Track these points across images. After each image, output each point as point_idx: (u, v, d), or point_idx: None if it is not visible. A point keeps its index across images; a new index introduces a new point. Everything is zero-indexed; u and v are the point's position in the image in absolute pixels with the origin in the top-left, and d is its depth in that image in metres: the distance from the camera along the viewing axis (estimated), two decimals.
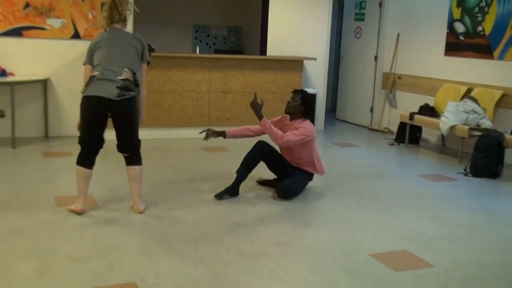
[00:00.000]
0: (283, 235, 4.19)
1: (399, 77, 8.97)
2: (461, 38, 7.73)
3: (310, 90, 8.39)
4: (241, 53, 10.61)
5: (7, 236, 3.91)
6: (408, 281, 3.50)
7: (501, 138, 6.30)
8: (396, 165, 6.99)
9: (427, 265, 3.75)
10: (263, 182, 5.50)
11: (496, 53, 7.17)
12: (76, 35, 7.24)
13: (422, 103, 7.99)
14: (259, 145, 5.12)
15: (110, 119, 4.35)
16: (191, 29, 10.73)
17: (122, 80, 4.23)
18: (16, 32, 6.99)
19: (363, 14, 9.60)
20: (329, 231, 4.33)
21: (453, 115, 6.92)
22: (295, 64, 8.23)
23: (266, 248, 3.92)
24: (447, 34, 7.96)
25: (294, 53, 8.56)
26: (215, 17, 10.83)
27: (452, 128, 6.90)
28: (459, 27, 7.76)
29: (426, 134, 8.27)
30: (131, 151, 4.44)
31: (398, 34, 9.00)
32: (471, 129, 6.68)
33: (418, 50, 8.59)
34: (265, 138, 5.15)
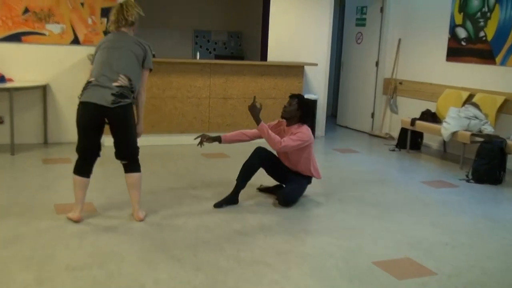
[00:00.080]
0: (284, 243, 4.15)
1: (400, 83, 8.94)
2: (463, 43, 7.70)
3: (311, 96, 8.39)
4: (242, 58, 10.59)
5: (6, 243, 3.87)
6: None
7: (503, 144, 6.27)
8: (397, 171, 6.95)
9: (430, 272, 3.71)
10: (263, 189, 5.46)
11: (498, 58, 7.14)
12: (75, 41, 7.22)
13: (424, 109, 7.96)
14: (257, 152, 5.07)
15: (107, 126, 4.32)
16: (191, 34, 10.72)
17: (118, 87, 4.18)
18: (15, 38, 6.97)
19: (364, 19, 9.58)
20: (330, 238, 4.29)
21: (454, 121, 6.88)
22: (296, 70, 8.20)
23: (266, 256, 3.88)
24: (449, 39, 7.94)
25: (295, 59, 8.54)
26: (216, 22, 10.82)
27: (454, 134, 6.86)
28: (461, 33, 7.73)
29: (428, 140, 8.23)
30: (128, 158, 4.39)
31: (400, 40, 8.98)
32: (473, 135, 6.65)
33: (419, 56, 8.56)
34: (261, 143, 5.11)
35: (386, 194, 5.65)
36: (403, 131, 7.98)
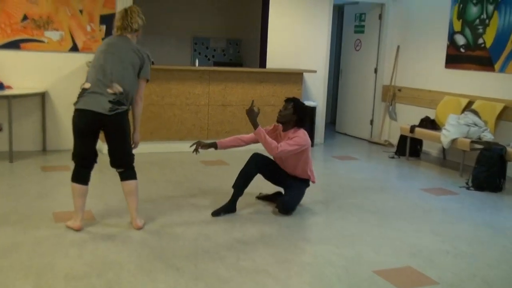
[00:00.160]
0: (284, 251, 4.12)
1: (399, 90, 8.94)
2: (462, 50, 7.70)
3: (310, 103, 8.39)
4: (240, 65, 10.58)
5: (4, 252, 3.84)
6: None
7: (503, 152, 6.26)
8: (396, 178, 6.94)
9: (431, 282, 3.69)
10: (262, 198, 5.44)
11: (497, 65, 7.14)
12: (74, 48, 7.21)
13: (423, 116, 7.95)
14: (254, 158, 5.03)
15: (102, 133, 4.31)
16: (190, 41, 10.71)
17: (113, 94, 4.16)
18: (13, 45, 6.96)
19: (363, 26, 9.59)
20: (330, 246, 4.27)
21: (454, 128, 6.88)
22: (295, 77, 8.20)
23: (266, 264, 3.85)
24: (448, 46, 7.94)
25: (294, 66, 8.54)
26: (214, 29, 10.81)
27: (454, 141, 6.86)
28: (460, 39, 7.74)
29: (427, 147, 8.22)
30: (124, 165, 4.37)
31: (398, 47, 8.98)
32: (472, 142, 6.64)
33: (418, 63, 8.57)
34: (258, 149, 5.09)
35: (386, 202, 5.63)
36: (402, 138, 7.97)
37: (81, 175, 4.30)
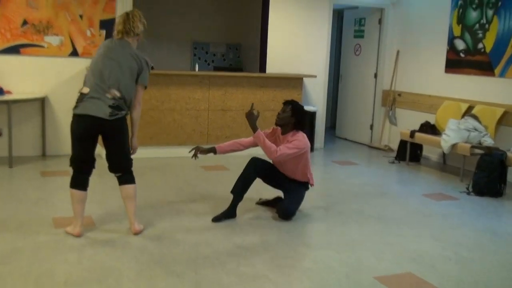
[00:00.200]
0: (284, 257, 4.11)
1: (399, 95, 8.94)
2: (462, 55, 7.70)
3: (309, 108, 8.38)
4: (240, 70, 10.57)
5: (4, 258, 3.82)
6: None
7: (503, 157, 6.25)
8: (397, 183, 6.92)
9: None
10: (263, 203, 5.42)
11: (497, 70, 7.14)
12: (74, 53, 7.20)
13: (423, 121, 7.95)
14: (252, 163, 4.99)
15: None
16: (189, 46, 10.70)
17: (112, 99, 4.16)
18: (13, 50, 6.95)
19: (363, 31, 9.59)
20: (331, 252, 4.25)
21: (454, 133, 6.87)
22: (295, 82, 8.20)
23: (267, 270, 3.83)
24: (448, 51, 7.94)
25: (294, 71, 8.54)
26: (214, 34, 10.80)
27: (454, 146, 6.85)
28: (460, 44, 7.74)
29: (427, 152, 8.21)
30: (123, 170, 4.37)
31: (398, 51, 8.98)
32: (473, 147, 6.63)
33: (418, 67, 8.57)
34: (257, 153, 5.07)
35: (386, 207, 5.62)
36: (403, 143, 7.96)
37: (79, 181, 4.28)
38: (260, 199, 5.46)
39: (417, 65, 8.58)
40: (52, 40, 7.10)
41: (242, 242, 4.36)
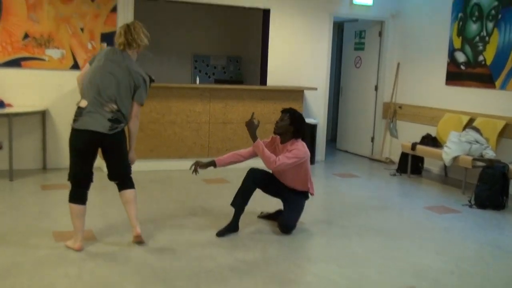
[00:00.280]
0: (287, 271, 4.08)
1: (400, 107, 8.94)
2: (462, 67, 7.71)
3: (310, 120, 8.37)
4: (241, 82, 10.59)
5: (3, 273, 3.79)
6: None
7: (505, 169, 6.23)
8: (399, 196, 6.90)
9: None
10: (264, 217, 5.38)
11: (498, 82, 7.14)
12: (75, 66, 7.21)
13: (424, 133, 7.94)
14: (250, 174, 4.94)
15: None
16: (190, 58, 10.73)
17: (110, 112, 4.17)
18: (14, 63, 6.95)
19: (363, 43, 9.61)
20: (333, 266, 4.22)
21: (455, 146, 6.85)
22: (296, 94, 8.19)
23: (270, 285, 3.80)
24: (448, 63, 7.95)
25: (294, 83, 8.54)
26: (215, 46, 10.84)
27: (455, 158, 6.83)
28: (460, 57, 7.75)
29: (428, 164, 8.19)
30: (122, 176, 4.41)
31: (398, 64, 8.99)
32: (474, 159, 6.61)
33: (418, 80, 8.57)
34: (257, 163, 5.04)
35: (389, 220, 5.59)
36: (404, 155, 7.94)
37: (78, 195, 4.27)
38: (261, 212, 5.44)
39: (418, 77, 8.59)
40: (53, 53, 7.10)
41: (244, 257, 4.33)
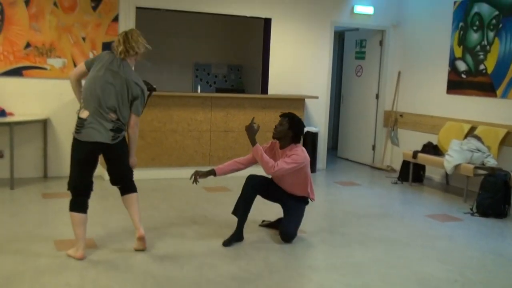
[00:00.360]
0: (289, 280, 4.06)
1: (401, 115, 8.94)
2: (463, 76, 7.72)
3: (311, 129, 8.38)
4: (242, 91, 10.60)
5: (4, 282, 3.78)
6: None
7: (507, 177, 6.23)
8: (400, 204, 6.89)
9: None
10: (266, 225, 5.37)
11: (499, 91, 7.15)
12: None
13: (425, 141, 7.93)
14: (249, 182, 4.92)
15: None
16: (191, 67, 10.75)
17: (111, 121, 4.20)
18: (16, 72, 6.96)
19: (364, 52, 9.62)
20: (336, 275, 4.20)
21: (457, 154, 6.85)
22: (297, 103, 8.19)
23: None
24: (449, 72, 7.96)
25: (296, 92, 8.54)
26: (216, 55, 10.86)
27: (457, 167, 6.82)
28: (461, 65, 7.76)
29: (430, 172, 8.18)
30: (124, 180, 4.46)
31: (399, 72, 9.00)
32: (476, 168, 6.60)
33: (419, 88, 8.58)
34: (258, 171, 5.04)
35: (391, 228, 5.57)
36: (405, 163, 7.93)
37: (79, 204, 4.28)
38: (263, 221, 5.42)
39: (419, 86, 8.59)
40: (54, 62, 7.11)
41: (246, 265, 4.31)
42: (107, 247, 4.56)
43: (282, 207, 5.12)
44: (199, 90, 9.26)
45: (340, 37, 10.83)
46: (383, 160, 9.25)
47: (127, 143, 4.42)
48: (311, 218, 5.55)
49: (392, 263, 4.52)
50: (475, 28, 7.53)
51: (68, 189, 4.29)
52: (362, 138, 9.68)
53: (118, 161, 4.38)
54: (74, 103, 7.05)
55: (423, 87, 8.50)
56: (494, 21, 7.24)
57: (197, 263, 4.32)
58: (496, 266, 4.59)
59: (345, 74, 10.29)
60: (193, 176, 4.90)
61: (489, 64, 7.30)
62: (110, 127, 4.20)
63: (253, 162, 4.99)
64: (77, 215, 4.25)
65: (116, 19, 7.33)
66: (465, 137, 7.29)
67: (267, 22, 8.49)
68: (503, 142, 6.95)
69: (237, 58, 10.98)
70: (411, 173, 7.81)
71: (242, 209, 4.89)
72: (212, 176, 4.98)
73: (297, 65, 8.60)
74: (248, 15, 8.26)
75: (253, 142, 4.75)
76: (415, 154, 7.62)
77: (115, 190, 4.55)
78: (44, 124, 7.17)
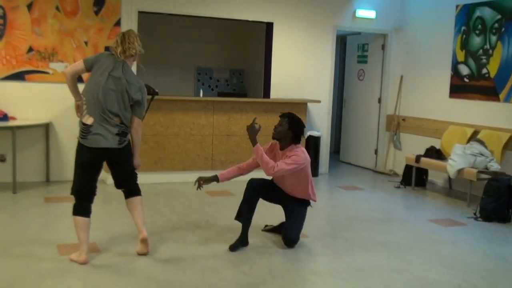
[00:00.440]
0: (292, 285, 4.05)
1: (403, 119, 8.93)
2: (466, 80, 7.71)
3: (314, 133, 8.37)
4: (244, 95, 10.60)
5: (7, 286, 3.77)
6: None
7: (510, 182, 6.20)
8: (403, 208, 6.86)
9: None
10: (269, 230, 5.35)
11: (502, 95, 7.14)
12: (79, 79, 7.10)
13: (427, 145, 7.91)
14: (250, 185, 4.89)
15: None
16: (193, 71, 10.75)
17: (116, 126, 4.22)
18: (18, 76, 6.97)
19: (366, 56, 9.62)
20: (339, 280, 4.18)
21: (460, 158, 6.83)
22: (299, 107, 8.18)
23: None
24: (452, 76, 7.95)
25: (298, 96, 8.54)
26: (218, 59, 10.86)
27: (460, 171, 6.80)
28: (464, 69, 7.75)
29: (433, 176, 8.16)
30: (129, 183, 4.47)
31: (402, 76, 8.99)
32: (479, 172, 6.58)
33: (422, 92, 8.57)
34: (257, 176, 5.03)
35: (394, 233, 5.56)
36: (408, 167, 7.92)
37: (82, 208, 4.28)
38: (266, 225, 5.41)
39: (421, 90, 8.58)
40: (57, 66, 7.12)
41: (249, 270, 4.30)
42: (109, 251, 4.55)
43: (284, 209, 5.09)
44: (201, 94, 9.26)
45: (342, 41, 10.84)
46: (386, 164, 9.23)
47: (131, 146, 4.43)
48: (314, 222, 5.53)
49: (395, 268, 4.50)
50: (477, 32, 7.53)
51: (72, 193, 4.29)
52: (364, 142, 9.67)
53: (123, 164, 4.40)
54: None
55: (425, 91, 8.49)
56: (496, 25, 7.23)
57: (200, 267, 4.30)
58: (500, 271, 4.57)
59: (347, 78, 10.29)
60: (197, 182, 4.88)
61: (492, 68, 7.29)
62: (115, 132, 4.22)
63: (255, 166, 4.97)
64: (80, 219, 4.24)
65: (118, 23, 7.33)
66: (468, 141, 7.27)
67: (269, 26, 8.49)
68: (506, 146, 6.93)
69: (239, 62, 10.98)
70: (414, 178, 7.79)
71: (245, 213, 4.87)
72: (214, 182, 4.97)
73: (299, 69, 8.60)
74: (250, 19, 8.26)
75: (254, 142, 4.73)
76: (418, 158, 7.61)
77: (118, 194, 4.55)
78: (47, 128, 7.17)
